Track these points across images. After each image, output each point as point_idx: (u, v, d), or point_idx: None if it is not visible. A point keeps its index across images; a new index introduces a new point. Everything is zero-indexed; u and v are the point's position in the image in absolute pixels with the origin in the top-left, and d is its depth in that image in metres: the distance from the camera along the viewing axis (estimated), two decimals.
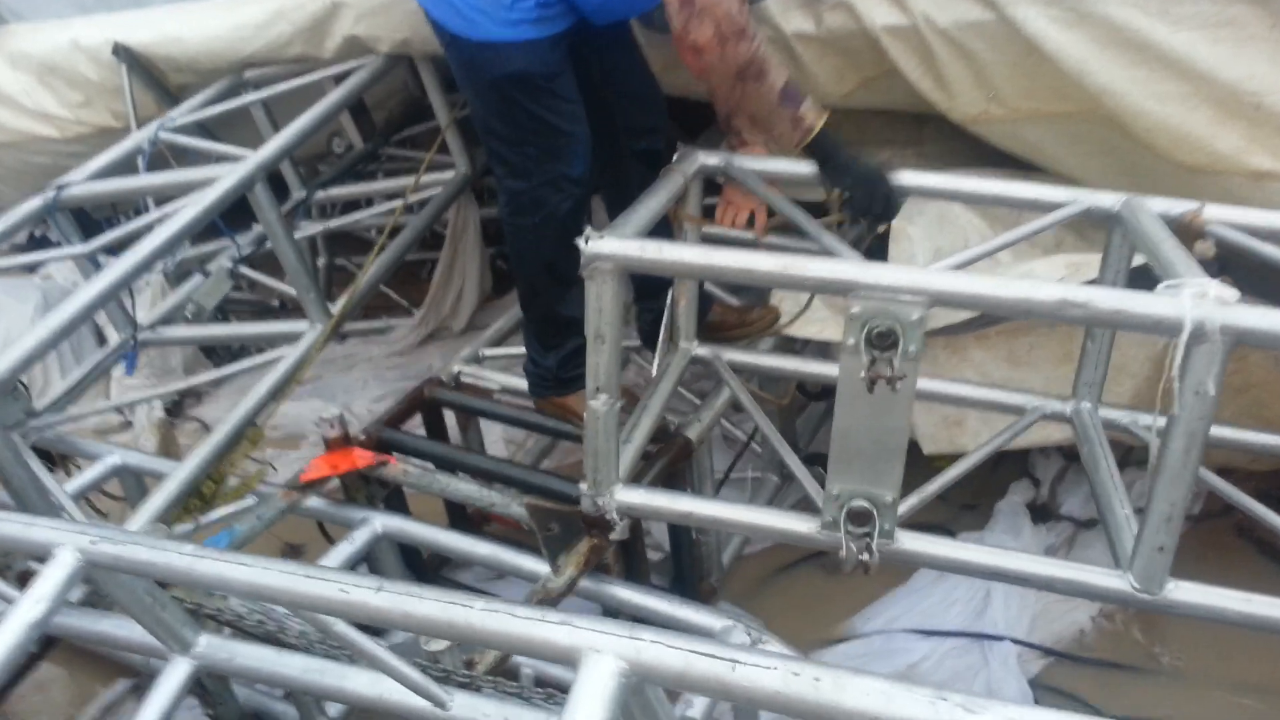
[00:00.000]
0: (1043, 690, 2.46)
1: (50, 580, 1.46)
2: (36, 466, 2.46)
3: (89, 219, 4.00)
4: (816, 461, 2.98)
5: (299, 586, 1.33)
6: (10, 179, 4.26)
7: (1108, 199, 2.07)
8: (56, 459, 2.94)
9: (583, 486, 1.92)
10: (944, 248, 2.82)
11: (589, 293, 1.72)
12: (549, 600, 1.91)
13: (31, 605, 1.44)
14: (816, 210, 2.18)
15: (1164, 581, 1.64)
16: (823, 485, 1.96)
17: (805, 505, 1.87)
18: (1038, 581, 1.73)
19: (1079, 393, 2.29)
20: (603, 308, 1.72)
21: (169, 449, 3.49)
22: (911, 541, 1.77)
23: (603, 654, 1.14)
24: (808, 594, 2.73)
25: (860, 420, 1.65)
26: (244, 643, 1.71)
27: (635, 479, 2.08)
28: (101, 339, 3.89)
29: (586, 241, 1.69)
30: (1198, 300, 1.50)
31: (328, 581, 1.31)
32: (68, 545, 1.48)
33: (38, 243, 4.33)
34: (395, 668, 1.46)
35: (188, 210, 2.39)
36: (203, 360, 4.26)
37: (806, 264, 1.61)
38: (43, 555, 1.50)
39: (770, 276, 1.62)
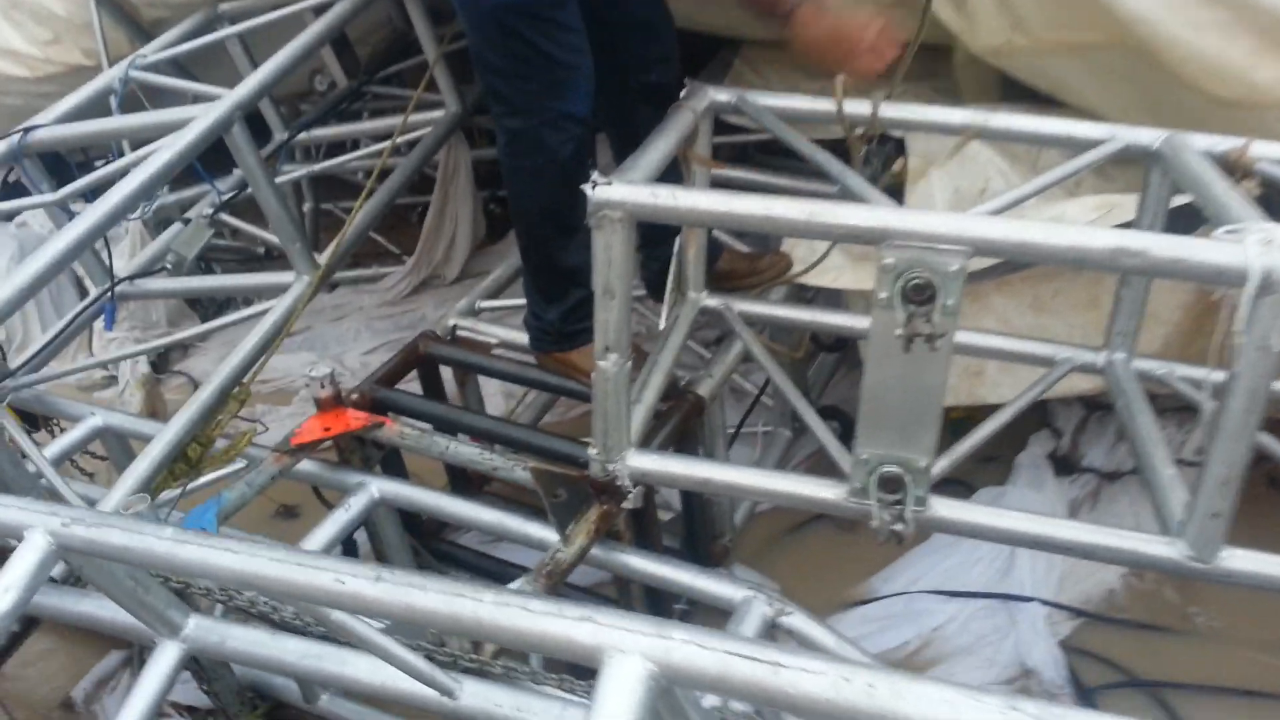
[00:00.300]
0: (1073, 653, 2.37)
1: (20, 567, 1.34)
2: (14, 429, 2.34)
3: (64, 163, 3.82)
4: (830, 415, 2.88)
5: (290, 575, 1.21)
6: None
7: (1147, 135, 1.93)
8: (40, 420, 2.81)
9: (591, 451, 1.81)
10: (964, 189, 2.68)
11: (596, 244, 1.58)
12: (558, 572, 1.80)
13: (2, 594, 1.32)
14: (836, 150, 2.04)
15: (1218, 549, 1.54)
16: (838, 439, 1.87)
17: (821, 461, 1.76)
18: (1082, 550, 1.63)
19: (1111, 343, 2.17)
20: (612, 260, 1.58)
21: (154, 407, 3.36)
22: (946, 508, 1.66)
23: (629, 654, 1.03)
24: (824, 553, 2.63)
25: (893, 380, 1.53)
26: (236, 625, 1.60)
27: (646, 441, 1.97)
28: (84, 290, 3.73)
29: (593, 188, 1.55)
30: (1264, 248, 1.37)
31: (321, 570, 1.20)
32: (38, 528, 1.37)
33: (11, 189, 4.15)
34: (398, 655, 1.36)
35: (159, 156, 2.23)
36: (187, 312, 4.12)
37: (835, 211, 1.47)
38: (13, 537, 1.39)
39: (795, 225, 1.48)
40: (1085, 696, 2.35)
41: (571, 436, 2.18)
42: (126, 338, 3.86)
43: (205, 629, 1.60)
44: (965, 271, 1.43)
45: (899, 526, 1.62)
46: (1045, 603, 2.46)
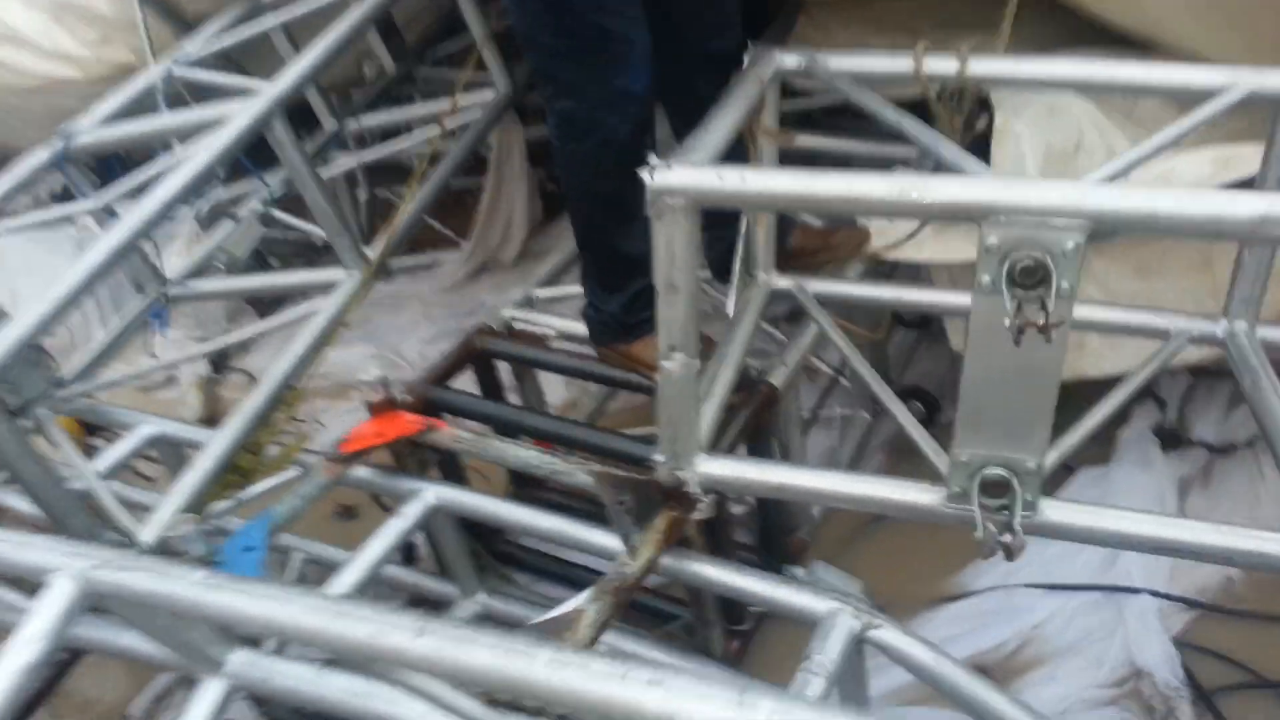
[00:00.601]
0: (1189, 650, 2.16)
1: (46, 614, 1.25)
2: (66, 444, 2.28)
3: (119, 162, 3.77)
4: (913, 395, 2.69)
5: (326, 627, 1.09)
6: (44, 125, 4.05)
7: (1275, 79, 1.69)
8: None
9: (658, 457, 1.65)
10: (1056, 145, 2.45)
11: (657, 235, 1.42)
12: (625, 589, 1.65)
13: (26, 646, 1.23)
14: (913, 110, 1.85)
15: None
16: (921, 422, 1.70)
17: (904, 443, 1.58)
18: (1232, 557, 1.43)
19: (1232, 311, 1.94)
20: (675, 253, 1.41)
21: (213, 408, 3.31)
22: (1059, 511, 1.47)
23: None
24: (908, 545, 2.44)
25: (999, 374, 1.35)
26: (282, 660, 1.49)
27: (717, 439, 1.81)
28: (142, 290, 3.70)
29: (652, 173, 1.38)
30: None
31: (360, 621, 1.07)
32: (65, 571, 1.27)
33: (65, 193, 4.13)
34: (450, 701, 1.23)
35: (196, 159, 2.12)
36: (245, 308, 4.06)
37: (929, 186, 1.29)
38: (39, 580, 1.29)
39: (885, 204, 1.30)
40: (1204, 699, 2.14)
41: (638, 434, 2.04)
42: (185, 336, 3.81)
43: (249, 664, 1.49)
44: (1083, 250, 1.24)
45: (1007, 538, 1.44)
46: (1156, 594, 2.25)
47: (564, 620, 1.61)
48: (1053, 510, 1.48)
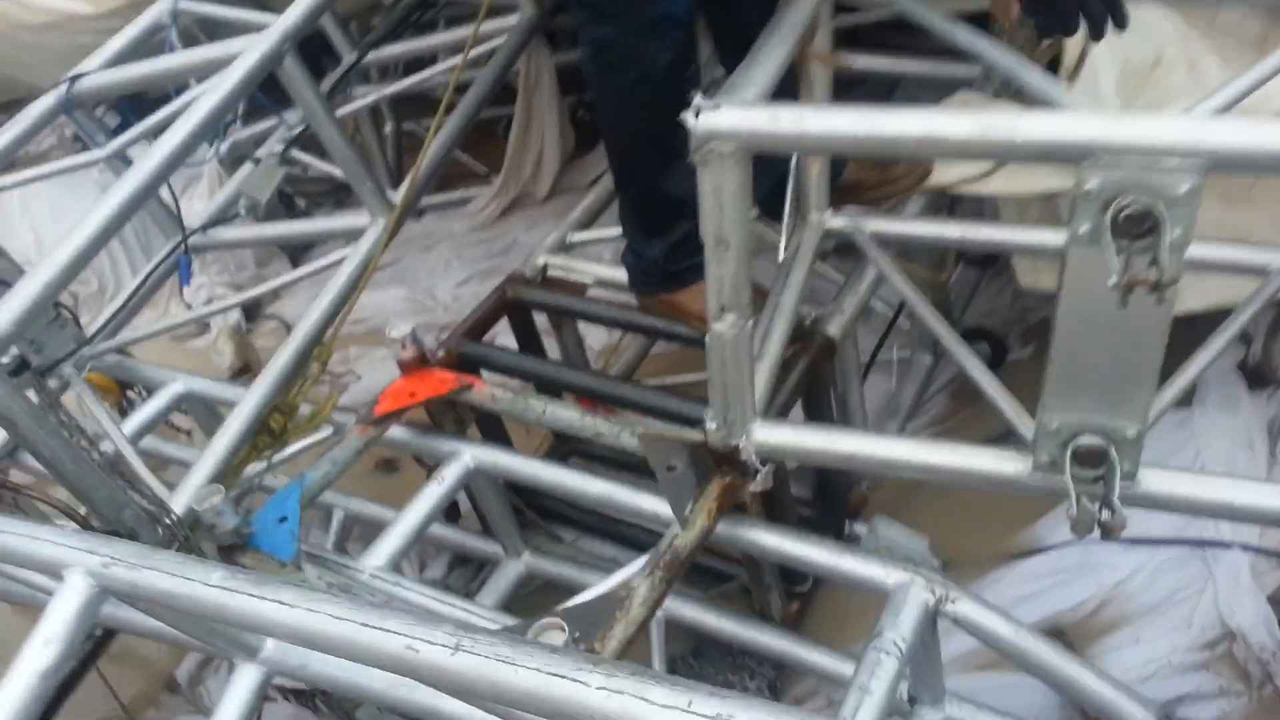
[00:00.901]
0: None
1: (59, 615, 1.16)
2: (95, 405, 2.20)
3: (143, 101, 3.63)
4: (977, 336, 2.53)
5: (354, 638, 0.99)
6: (61, 62, 3.92)
7: None
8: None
9: (710, 424, 1.53)
10: (1134, 61, 2.24)
11: (703, 184, 1.26)
12: (678, 563, 1.54)
13: (40, 650, 1.15)
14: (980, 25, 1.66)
15: None
16: (987, 365, 1.56)
17: (967, 391, 1.44)
18: None
19: None
20: (723, 203, 1.26)
21: (245, 358, 3.22)
22: (1161, 482, 1.33)
23: None
24: (976, 495, 2.29)
25: (1097, 335, 1.19)
26: None
27: (772, 398, 1.68)
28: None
29: (696, 114, 1.22)
30: None
31: (390, 634, 0.96)
32: (78, 568, 1.18)
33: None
34: None
35: (203, 102, 1.98)
36: (276, 252, 3.95)
37: (1017, 124, 1.11)
38: (51, 576, 1.21)
39: (969, 145, 1.13)
40: None
41: (689, 382, 1.90)
42: (216, 282, 3.73)
43: (285, 650, 1.42)
44: (1199, 194, 1.08)
45: (1105, 515, 1.30)
46: (1249, 548, 2.10)
47: (614, 598, 1.51)
48: (1154, 480, 1.33)
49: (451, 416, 2.10)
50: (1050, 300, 1.27)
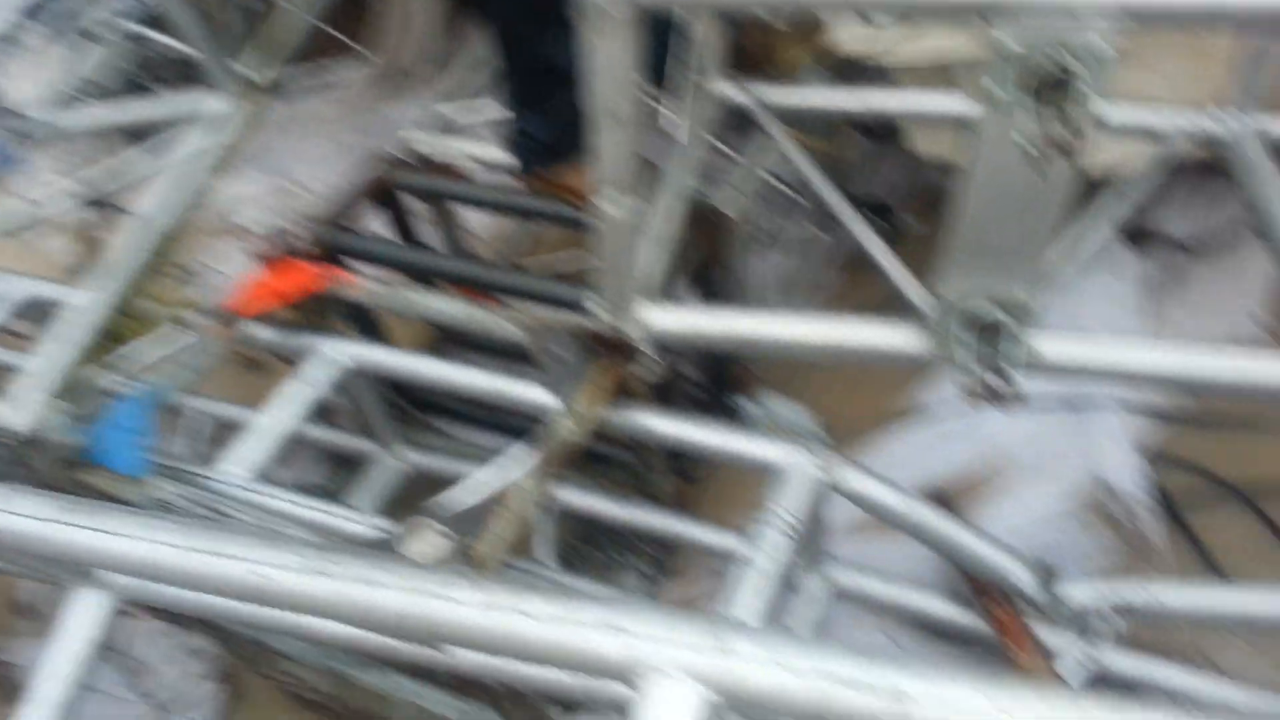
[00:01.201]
0: (1162, 464, 2.08)
1: None
2: None
3: None
4: (878, 211, 2.46)
5: (196, 568, 0.87)
6: None
7: None
8: None
9: (596, 304, 1.42)
10: None
11: (592, 53, 1.12)
12: (561, 455, 1.46)
13: None
14: None
15: None
16: (886, 239, 1.54)
17: (859, 263, 1.38)
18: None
19: (1233, 105, 1.74)
20: (614, 73, 1.13)
21: (96, 254, 2.94)
22: (1056, 346, 1.29)
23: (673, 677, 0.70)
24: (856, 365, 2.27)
25: (1004, 200, 1.12)
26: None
27: (663, 282, 1.58)
28: None
29: None
30: None
31: (234, 560, 0.85)
32: None
33: None
34: None
35: None
36: (122, 139, 3.60)
37: None
38: None
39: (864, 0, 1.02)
40: (1170, 510, 2.08)
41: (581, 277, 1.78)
42: (52, 167, 3.38)
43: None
44: (1116, 51, 1.00)
45: (1001, 384, 1.26)
46: (1127, 408, 2.14)
47: (496, 495, 1.42)
48: (1049, 345, 1.29)
49: (321, 311, 1.94)
50: (947, 171, 1.21)
